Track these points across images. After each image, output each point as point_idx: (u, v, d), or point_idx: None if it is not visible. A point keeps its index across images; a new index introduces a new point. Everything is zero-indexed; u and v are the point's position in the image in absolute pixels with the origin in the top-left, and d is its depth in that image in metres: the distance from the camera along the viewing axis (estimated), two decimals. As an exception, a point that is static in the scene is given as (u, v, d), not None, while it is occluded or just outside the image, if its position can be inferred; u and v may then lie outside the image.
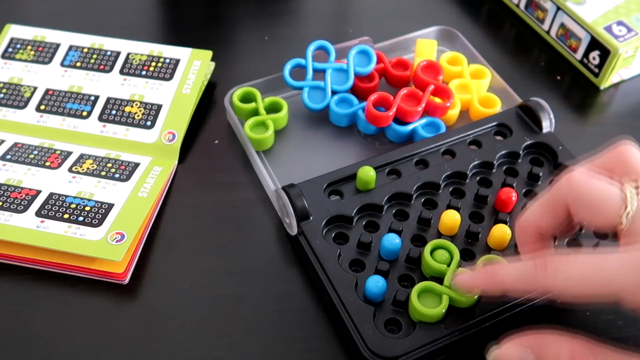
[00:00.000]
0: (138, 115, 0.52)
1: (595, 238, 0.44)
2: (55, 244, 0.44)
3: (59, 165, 0.49)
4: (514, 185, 0.47)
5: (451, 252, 0.42)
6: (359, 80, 0.53)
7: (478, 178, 0.48)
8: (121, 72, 0.55)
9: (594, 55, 0.56)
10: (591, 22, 0.56)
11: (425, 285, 0.40)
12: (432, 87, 0.51)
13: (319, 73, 0.53)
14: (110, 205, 0.46)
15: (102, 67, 0.56)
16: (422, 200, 0.46)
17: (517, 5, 0.64)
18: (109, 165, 0.50)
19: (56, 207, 0.46)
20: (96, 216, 0.46)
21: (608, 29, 0.55)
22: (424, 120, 0.51)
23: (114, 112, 0.53)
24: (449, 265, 0.41)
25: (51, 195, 0.47)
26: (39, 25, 0.58)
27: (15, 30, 0.58)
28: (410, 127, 0.51)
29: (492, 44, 0.62)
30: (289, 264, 0.46)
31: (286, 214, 0.44)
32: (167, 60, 0.56)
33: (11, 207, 0.46)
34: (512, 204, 0.45)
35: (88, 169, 0.49)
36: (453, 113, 0.52)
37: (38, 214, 0.46)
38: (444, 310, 0.39)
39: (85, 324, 0.42)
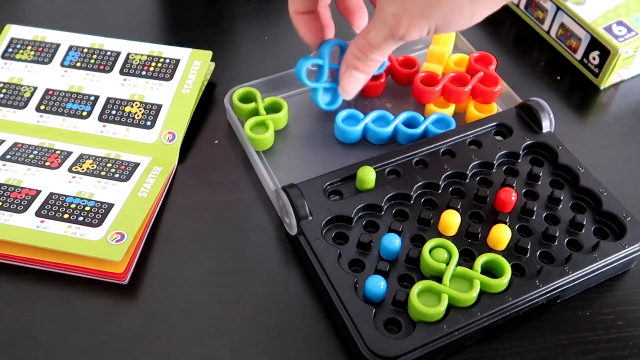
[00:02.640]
0: (138, 115, 0.52)
1: (595, 237, 0.44)
2: (55, 244, 0.44)
3: (59, 165, 0.49)
4: (514, 185, 0.47)
5: (450, 251, 0.42)
6: None
7: (478, 178, 0.48)
8: (121, 72, 0.55)
9: (594, 55, 0.56)
10: (591, 22, 0.56)
11: (424, 284, 0.40)
12: (481, 73, 0.52)
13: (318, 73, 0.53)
14: (110, 205, 0.46)
15: (102, 67, 0.56)
16: (422, 200, 0.46)
17: (517, 5, 0.64)
18: (109, 165, 0.50)
19: (56, 207, 0.46)
20: (96, 216, 0.46)
21: (608, 29, 0.55)
22: (434, 116, 0.51)
23: (114, 112, 0.53)
24: (447, 264, 0.41)
25: (51, 195, 0.47)
26: (39, 25, 0.58)
27: (15, 31, 0.58)
28: (420, 129, 0.50)
29: (492, 43, 0.62)
30: (289, 264, 0.46)
31: (286, 213, 0.44)
32: (167, 61, 0.56)
33: (11, 207, 0.46)
34: (512, 204, 0.45)
35: (88, 169, 0.49)
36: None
37: (38, 214, 0.46)
38: (443, 310, 0.39)
39: (85, 324, 0.42)
